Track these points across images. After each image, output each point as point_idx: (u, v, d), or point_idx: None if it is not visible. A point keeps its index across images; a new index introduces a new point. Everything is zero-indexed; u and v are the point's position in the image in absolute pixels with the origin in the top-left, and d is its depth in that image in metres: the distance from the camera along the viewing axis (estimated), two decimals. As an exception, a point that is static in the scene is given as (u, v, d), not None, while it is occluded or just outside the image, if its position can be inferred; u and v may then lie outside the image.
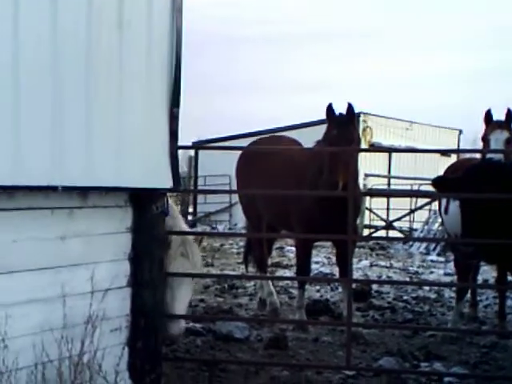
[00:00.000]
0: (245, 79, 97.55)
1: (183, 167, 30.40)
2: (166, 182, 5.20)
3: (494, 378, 6.43)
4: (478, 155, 8.66)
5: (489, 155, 6.63)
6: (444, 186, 5.88)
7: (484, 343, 7.70)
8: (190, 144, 23.86)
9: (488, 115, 7.46)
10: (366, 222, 22.60)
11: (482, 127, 7.81)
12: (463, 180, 5.65)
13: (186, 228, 5.79)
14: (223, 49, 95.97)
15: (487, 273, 11.90)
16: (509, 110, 7.54)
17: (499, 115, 7.40)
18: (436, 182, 5.90)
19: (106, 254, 4.84)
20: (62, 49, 4.26)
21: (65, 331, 4.39)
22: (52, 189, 4.27)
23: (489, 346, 7.61)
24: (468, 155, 10.41)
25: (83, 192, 4.64)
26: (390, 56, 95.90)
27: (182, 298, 5.58)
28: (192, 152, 31.97)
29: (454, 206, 7.24)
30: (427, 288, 11.30)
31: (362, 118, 26.44)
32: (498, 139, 7.23)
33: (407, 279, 12.86)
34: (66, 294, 4.38)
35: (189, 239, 5.65)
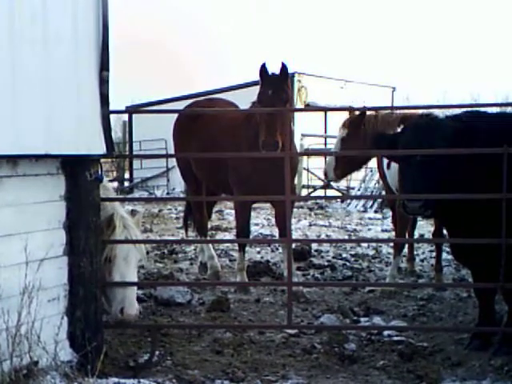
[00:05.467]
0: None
1: (117, 132, 29.99)
2: (99, 147, 5.10)
3: (432, 329, 6.59)
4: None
5: None
6: (382, 142, 5.90)
7: (421, 296, 7.89)
8: (123, 108, 23.54)
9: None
10: (304, 182, 22.76)
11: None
12: (402, 136, 5.70)
13: (125, 213, 5.75)
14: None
15: (423, 228, 12.16)
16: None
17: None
18: (374, 139, 5.92)
19: (39, 223, 4.74)
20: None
21: (0, 303, 4.30)
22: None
23: (426, 298, 7.80)
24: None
25: (12, 160, 4.52)
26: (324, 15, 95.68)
27: (131, 279, 5.55)
28: (126, 116, 31.57)
29: None
30: (365, 245, 11.49)
31: (296, 78, 26.42)
32: None
33: (346, 237, 13.04)
34: (-1, 264, 4.27)
35: (130, 224, 5.63)
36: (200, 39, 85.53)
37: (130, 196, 24.53)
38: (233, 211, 10.80)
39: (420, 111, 7.87)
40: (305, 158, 21.92)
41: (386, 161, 8.39)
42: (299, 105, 25.74)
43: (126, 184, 29.93)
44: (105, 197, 5.53)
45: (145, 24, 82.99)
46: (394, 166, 7.80)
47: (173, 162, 22.70)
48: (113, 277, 5.45)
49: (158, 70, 71.73)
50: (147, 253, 10.45)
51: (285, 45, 67.94)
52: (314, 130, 23.83)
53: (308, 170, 22.78)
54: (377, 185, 18.79)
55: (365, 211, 18.19)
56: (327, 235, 13.19)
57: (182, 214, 12.06)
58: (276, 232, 9.69)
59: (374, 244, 11.47)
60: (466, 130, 5.51)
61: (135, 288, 5.62)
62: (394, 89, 32.39)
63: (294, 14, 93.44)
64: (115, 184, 28.57)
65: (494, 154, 5.30)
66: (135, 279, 5.66)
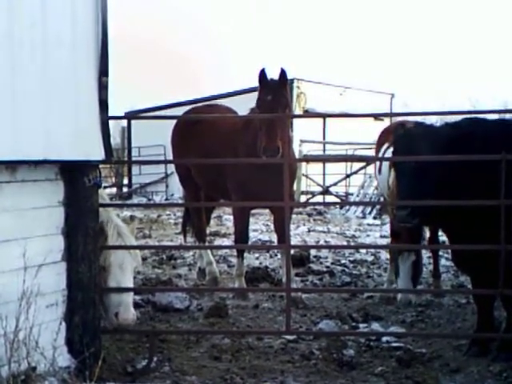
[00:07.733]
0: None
1: (116, 138, 30.01)
2: (98, 153, 5.09)
3: (430, 335, 6.58)
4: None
5: None
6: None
7: (420, 302, 7.87)
8: (122, 114, 23.54)
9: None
10: (303, 188, 22.77)
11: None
12: (395, 144, 5.70)
13: (120, 221, 5.74)
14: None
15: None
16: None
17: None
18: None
19: (38, 228, 4.73)
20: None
21: (-2, 308, 4.29)
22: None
23: (424, 304, 7.79)
24: (400, 118, 10.54)
25: (11, 166, 4.51)
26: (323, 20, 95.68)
27: (127, 286, 5.55)
28: (125, 122, 31.61)
29: (386, 166, 7.33)
30: (364, 251, 11.48)
31: (295, 84, 26.46)
32: None
33: (344, 243, 13.03)
34: (-3, 270, 4.27)
35: (125, 232, 5.63)
36: (200, 39, 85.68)
37: (128, 202, 24.52)
38: (231, 217, 10.82)
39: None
40: (304, 164, 21.93)
41: (377, 166, 8.40)
42: (298, 111, 25.78)
43: (125, 190, 29.95)
44: (103, 202, 5.53)
45: (145, 24, 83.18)
46: (384, 171, 7.80)
47: (171, 167, 22.66)
48: (108, 285, 5.43)
49: (157, 70, 71.82)
50: (145, 258, 10.56)
51: (284, 51, 68.13)
52: (312, 136, 23.85)
53: (307, 176, 22.80)
54: (375, 191, 18.80)
55: (363, 217, 18.19)
56: (326, 241, 13.18)
57: (180, 220, 12.06)
58: (275, 238, 9.68)
59: (372, 250, 11.47)
60: (463, 137, 5.50)
61: (131, 294, 5.61)
62: (392, 95, 32.44)
63: (293, 20, 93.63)
64: (114, 190, 28.61)
65: (493, 160, 5.30)
66: (131, 286, 5.65)
